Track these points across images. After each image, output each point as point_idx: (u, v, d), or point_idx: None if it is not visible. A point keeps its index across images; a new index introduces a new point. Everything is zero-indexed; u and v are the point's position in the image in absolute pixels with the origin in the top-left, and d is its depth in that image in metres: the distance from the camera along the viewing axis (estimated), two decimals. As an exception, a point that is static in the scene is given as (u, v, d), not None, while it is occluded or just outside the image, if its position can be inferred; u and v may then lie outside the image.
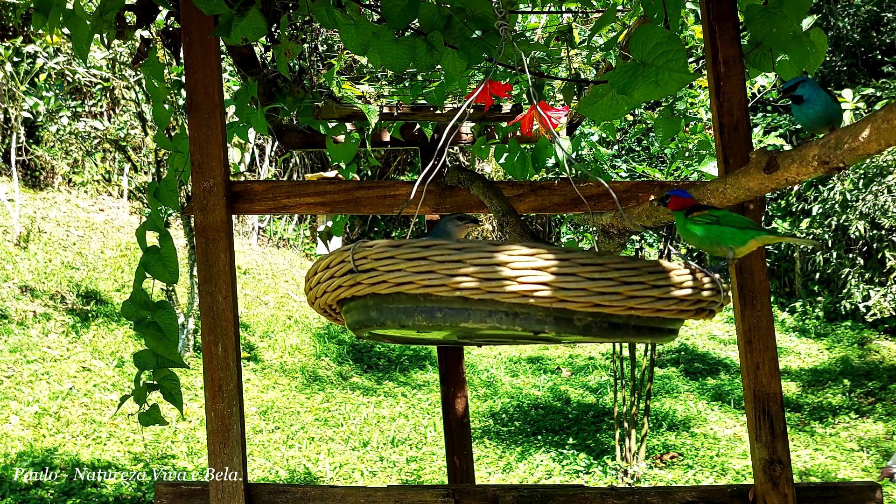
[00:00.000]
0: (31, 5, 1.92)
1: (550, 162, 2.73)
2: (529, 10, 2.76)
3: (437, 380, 6.96)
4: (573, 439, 5.97)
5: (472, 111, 2.91)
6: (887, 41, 10.48)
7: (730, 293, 1.23)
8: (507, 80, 2.60)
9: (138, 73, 7.43)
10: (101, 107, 9.18)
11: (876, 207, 8.16)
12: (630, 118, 8.27)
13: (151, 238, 1.93)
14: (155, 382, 1.93)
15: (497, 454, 5.72)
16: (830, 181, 8.70)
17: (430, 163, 1.37)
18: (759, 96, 4.02)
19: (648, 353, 5.14)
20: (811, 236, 9.00)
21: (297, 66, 2.92)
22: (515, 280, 1.03)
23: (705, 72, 1.86)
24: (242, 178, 8.86)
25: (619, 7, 2.57)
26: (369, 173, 10.20)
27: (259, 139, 10.03)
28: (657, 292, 1.07)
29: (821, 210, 8.88)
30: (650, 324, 1.12)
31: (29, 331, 6.38)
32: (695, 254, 9.63)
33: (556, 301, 1.03)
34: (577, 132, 3.59)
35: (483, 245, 1.04)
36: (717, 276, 1.16)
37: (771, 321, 1.77)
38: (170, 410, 4.90)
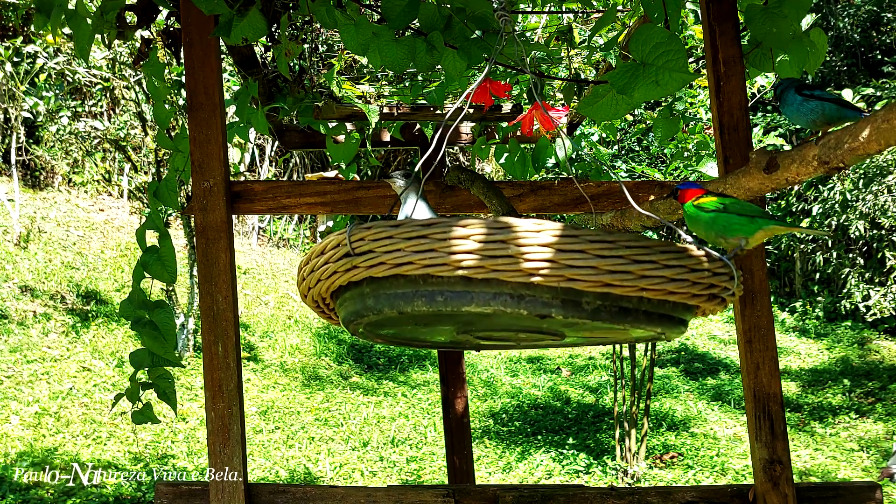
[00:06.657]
0: (32, 5, 1.92)
1: (550, 162, 2.74)
2: (529, 10, 2.76)
3: (437, 380, 6.96)
4: (573, 439, 5.97)
5: (471, 111, 2.91)
6: (887, 41, 10.48)
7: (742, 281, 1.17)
8: (507, 80, 2.60)
9: (138, 73, 7.43)
10: (101, 107, 9.17)
11: (876, 207, 8.15)
12: (630, 118, 8.25)
13: (151, 238, 1.93)
14: (150, 381, 1.94)
15: (497, 454, 5.71)
16: (830, 181, 8.70)
17: (430, 165, 1.37)
18: (758, 96, 4.01)
19: (648, 352, 5.14)
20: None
21: (297, 66, 2.92)
22: (521, 257, 0.96)
23: (705, 72, 1.86)
24: (242, 178, 8.86)
25: (619, 7, 2.57)
26: (369, 173, 10.19)
27: (259, 139, 10.02)
28: (669, 272, 1.01)
29: (821, 210, 8.88)
30: (661, 310, 1.06)
31: (29, 331, 6.38)
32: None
33: (564, 280, 0.97)
34: (577, 132, 3.59)
35: (487, 221, 0.99)
36: (729, 260, 1.10)
37: (771, 321, 1.77)
38: (167, 410, 4.89)
